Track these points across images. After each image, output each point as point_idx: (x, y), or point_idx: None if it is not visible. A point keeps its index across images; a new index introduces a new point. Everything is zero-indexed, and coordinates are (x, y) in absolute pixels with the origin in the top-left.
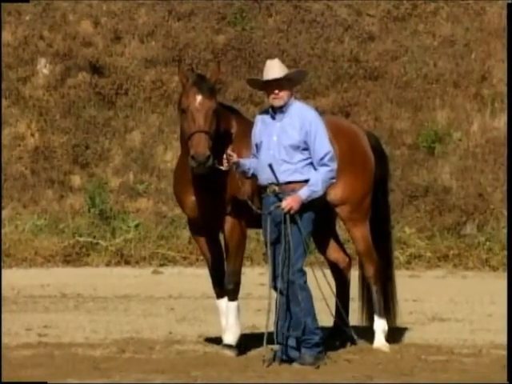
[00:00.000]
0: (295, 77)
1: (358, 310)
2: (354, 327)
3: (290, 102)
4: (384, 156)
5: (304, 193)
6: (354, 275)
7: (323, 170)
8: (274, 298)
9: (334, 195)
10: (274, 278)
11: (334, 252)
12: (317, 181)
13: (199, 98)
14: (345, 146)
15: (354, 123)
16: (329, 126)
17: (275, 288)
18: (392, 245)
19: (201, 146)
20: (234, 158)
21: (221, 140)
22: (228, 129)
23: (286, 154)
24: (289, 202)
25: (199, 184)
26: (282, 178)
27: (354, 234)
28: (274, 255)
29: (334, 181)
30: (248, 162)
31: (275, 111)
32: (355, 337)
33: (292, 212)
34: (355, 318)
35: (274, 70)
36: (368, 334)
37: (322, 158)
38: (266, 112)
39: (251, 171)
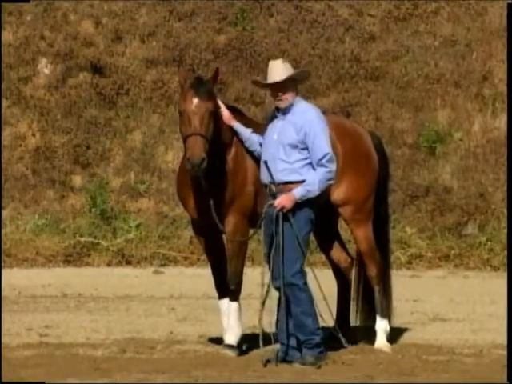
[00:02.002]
0: (298, 77)
1: (352, 310)
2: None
3: (294, 102)
4: (385, 157)
5: (298, 191)
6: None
7: (321, 170)
8: (274, 298)
9: (337, 195)
10: (274, 278)
11: (336, 252)
12: (313, 180)
13: (196, 100)
14: (348, 147)
15: (357, 123)
16: (332, 126)
17: (276, 288)
18: (390, 245)
19: (196, 148)
20: (233, 123)
21: (223, 140)
22: (230, 129)
23: (284, 153)
24: (281, 201)
25: (201, 185)
26: (280, 178)
27: (357, 234)
28: (268, 255)
29: (331, 182)
30: (246, 133)
31: (279, 110)
32: (343, 340)
33: (284, 211)
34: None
35: (277, 72)
36: (367, 334)
37: (320, 159)
38: (273, 111)
39: (247, 143)
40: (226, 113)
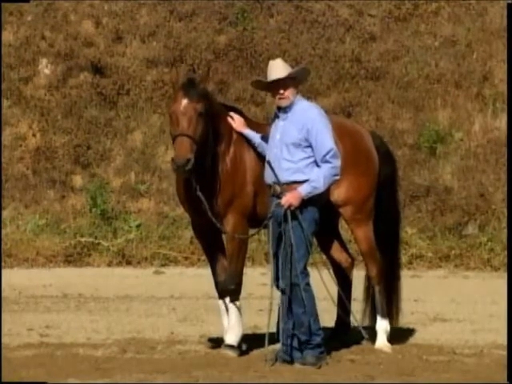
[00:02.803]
0: (299, 75)
1: (360, 311)
2: (354, 328)
3: (295, 101)
4: (389, 156)
5: (304, 189)
6: (358, 276)
7: (325, 166)
8: (275, 298)
9: (338, 195)
10: (277, 278)
11: (337, 252)
12: (318, 177)
13: (184, 101)
14: (349, 147)
15: (357, 123)
16: (333, 126)
17: (278, 288)
18: (399, 245)
19: (182, 149)
20: (244, 130)
21: (221, 141)
22: (229, 129)
23: (287, 153)
24: (288, 199)
25: (201, 185)
26: (284, 178)
27: (357, 234)
28: (276, 254)
29: (337, 177)
30: (257, 139)
31: (280, 110)
32: (364, 332)
33: (292, 208)
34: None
35: (277, 70)
36: (369, 334)
37: (324, 155)
38: (275, 112)
39: (259, 149)
40: (237, 119)
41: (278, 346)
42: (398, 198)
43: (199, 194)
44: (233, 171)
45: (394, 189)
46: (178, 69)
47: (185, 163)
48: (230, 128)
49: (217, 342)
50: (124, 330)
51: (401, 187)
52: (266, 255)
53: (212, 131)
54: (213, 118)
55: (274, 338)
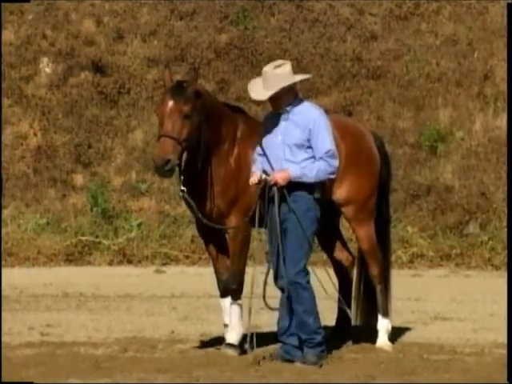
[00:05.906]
0: (292, 85)
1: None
2: (354, 327)
3: (296, 102)
4: (387, 158)
5: (294, 171)
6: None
7: (321, 162)
8: (272, 296)
9: (340, 194)
10: (277, 277)
11: (337, 251)
12: (312, 167)
13: (170, 103)
14: (351, 146)
15: (359, 123)
16: (335, 125)
17: (279, 287)
18: (391, 246)
19: (162, 150)
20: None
21: (225, 140)
22: (233, 129)
23: (290, 153)
24: (275, 176)
25: (194, 186)
26: None
27: (359, 233)
28: (275, 252)
29: (331, 176)
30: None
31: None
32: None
33: (278, 186)
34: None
35: (269, 84)
36: (368, 333)
37: (322, 154)
38: (273, 111)
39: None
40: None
41: (278, 344)
42: (389, 200)
43: (186, 195)
44: (237, 170)
45: (387, 191)
46: (166, 72)
47: (163, 164)
48: (234, 127)
49: (218, 341)
50: (125, 329)
51: (402, 186)
52: (266, 254)
53: (211, 132)
54: (211, 119)
55: (274, 337)
